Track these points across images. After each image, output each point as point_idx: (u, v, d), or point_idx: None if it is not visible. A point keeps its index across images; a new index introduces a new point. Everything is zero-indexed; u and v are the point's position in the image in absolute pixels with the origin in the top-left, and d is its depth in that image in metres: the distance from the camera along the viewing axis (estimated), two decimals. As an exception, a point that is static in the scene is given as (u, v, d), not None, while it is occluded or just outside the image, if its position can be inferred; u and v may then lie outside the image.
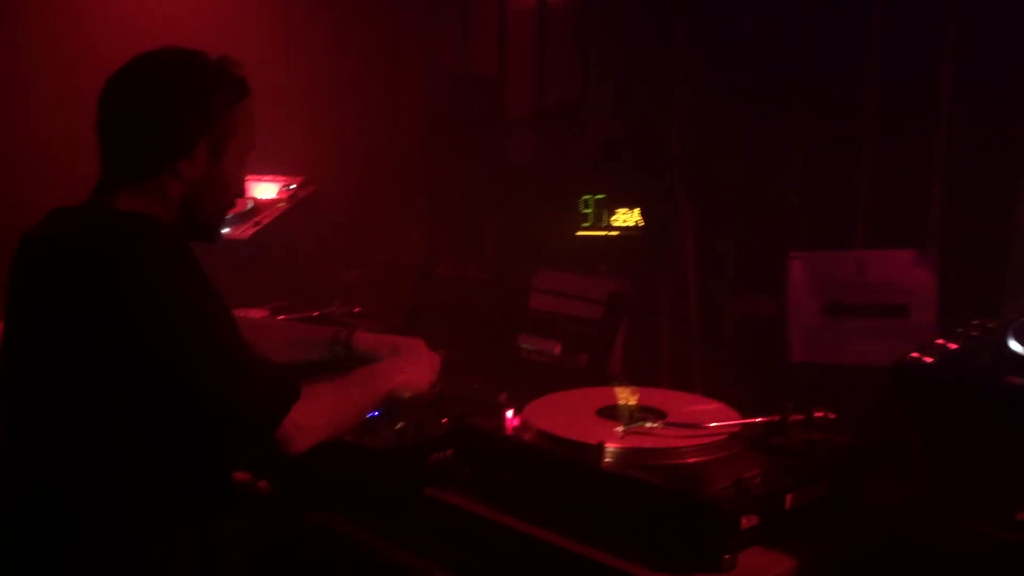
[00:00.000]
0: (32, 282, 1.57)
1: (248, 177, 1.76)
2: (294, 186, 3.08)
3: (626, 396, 1.80)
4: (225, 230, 2.67)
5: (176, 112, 1.57)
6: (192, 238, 1.65)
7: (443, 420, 1.90)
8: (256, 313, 2.52)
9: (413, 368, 1.82)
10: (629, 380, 1.99)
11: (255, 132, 1.70)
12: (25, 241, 1.62)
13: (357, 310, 2.51)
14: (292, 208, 3.00)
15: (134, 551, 1.51)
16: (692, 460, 1.57)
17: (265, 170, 3.10)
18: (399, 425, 1.87)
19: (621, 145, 2.75)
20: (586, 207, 2.66)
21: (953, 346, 1.44)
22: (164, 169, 1.59)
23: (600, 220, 2.65)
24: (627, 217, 2.61)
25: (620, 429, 1.63)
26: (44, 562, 1.52)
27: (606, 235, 2.63)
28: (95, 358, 1.46)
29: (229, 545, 1.63)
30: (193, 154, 1.59)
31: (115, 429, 1.49)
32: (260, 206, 3.00)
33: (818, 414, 1.64)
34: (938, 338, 1.48)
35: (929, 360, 1.41)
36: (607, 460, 1.55)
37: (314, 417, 1.57)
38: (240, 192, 1.73)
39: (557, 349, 2.20)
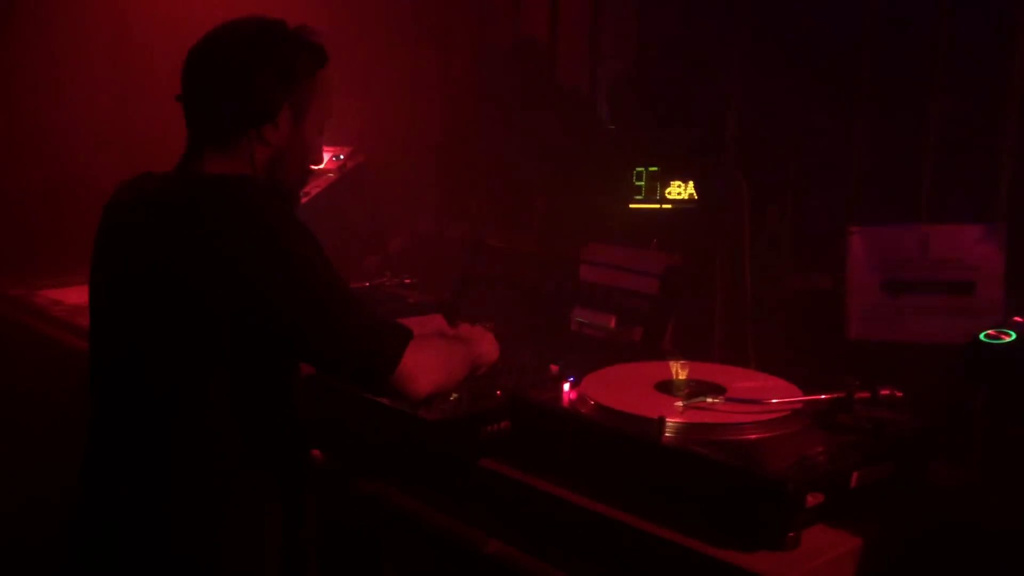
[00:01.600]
0: (131, 244, 1.59)
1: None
2: (343, 156, 3.06)
3: (687, 371, 1.78)
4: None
5: (262, 78, 1.59)
6: None
7: (497, 392, 1.88)
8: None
9: (484, 339, 1.84)
10: (684, 355, 1.97)
11: (333, 100, 1.72)
12: (117, 206, 1.65)
13: (408, 281, 2.49)
14: (341, 178, 2.99)
15: (227, 506, 1.56)
16: (754, 436, 1.54)
17: (314, 140, 3.09)
18: (453, 396, 1.85)
19: (676, 117, 2.70)
20: (639, 180, 2.62)
21: (1031, 324, 1.39)
22: (250, 134, 1.62)
23: (653, 193, 2.61)
24: (681, 190, 2.57)
25: (680, 404, 1.61)
26: (136, 521, 1.56)
27: (659, 208, 2.59)
28: (201, 313, 1.49)
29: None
30: (277, 119, 1.62)
31: (214, 388, 1.53)
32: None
33: (884, 392, 1.59)
34: (1014, 316, 1.43)
35: (1005, 338, 1.36)
36: (667, 434, 1.52)
37: (429, 357, 1.60)
38: (318, 159, 1.77)
39: (612, 323, 2.17)
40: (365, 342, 1.54)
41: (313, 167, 1.79)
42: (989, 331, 1.38)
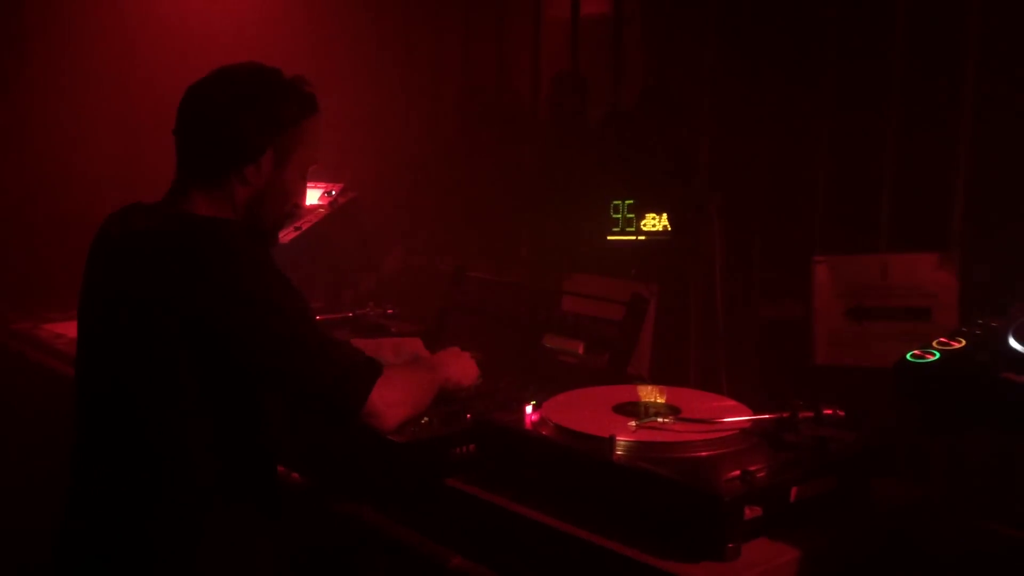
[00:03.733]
0: (115, 277, 1.68)
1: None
2: (335, 192, 3.17)
3: (645, 394, 1.86)
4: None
5: (247, 120, 1.68)
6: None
7: (467, 416, 1.96)
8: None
9: (457, 362, 1.91)
10: (645, 379, 2.05)
11: (319, 148, 1.80)
12: (105, 239, 1.73)
13: (390, 311, 2.59)
14: (332, 213, 3.10)
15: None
16: (702, 454, 1.61)
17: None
18: (424, 420, 1.94)
19: (651, 151, 2.80)
20: (616, 212, 2.72)
21: (956, 344, 1.47)
22: (233, 173, 1.70)
23: (630, 225, 2.70)
24: (655, 222, 2.66)
25: (633, 424, 1.69)
26: (119, 542, 1.63)
27: (635, 239, 2.68)
28: (178, 348, 1.58)
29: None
30: (260, 161, 1.70)
31: (192, 415, 1.61)
32: (301, 211, 3.10)
33: (827, 411, 1.67)
34: (943, 337, 1.51)
35: (930, 357, 1.44)
36: (619, 453, 1.60)
37: (396, 393, 1.70)
38: (300, 202, 1.85)
39: (580, 349, 2.25)
40: (334, 381, 1.62)
41: (295, 209, 1.87)
42: (915, 351, 1.46)
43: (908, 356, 1.46)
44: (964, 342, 1.47)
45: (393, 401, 1.67)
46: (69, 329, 3.21)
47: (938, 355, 1.44)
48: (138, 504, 1.63)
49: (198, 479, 1.63)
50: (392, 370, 1.72)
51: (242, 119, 1.68)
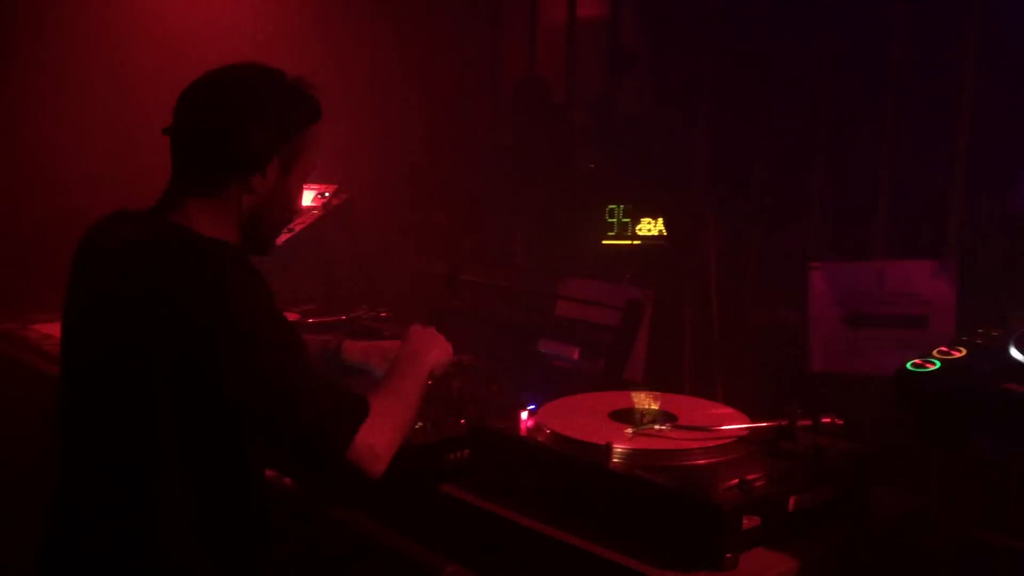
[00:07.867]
0: (100, 297, 1.58)
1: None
2: (328, 194, 3.15)
3: (642, 400, 1.84)
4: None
5: (258, 129, 1.58)
6: (248, 250, 1.65)
7: (461, 421, 1.95)
8: (287, 316, 2.59)
9: (434, 343, 1.83)
10: (642, 386, 2.04)
11: (320, 152, 1.71)
12: (95, 248, 1.63)
13: (384, 314, 2.57)
14: (326, 215, 3.07)
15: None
16: (699, 462, 1.60)
17: (300, 178, 3.18)
18: (418, 425, 1.92)
19: (646, 155, 2.79)
20: (611, 216, 2.70)
21: (956, 354, 1.45)
22: (237, 182, 1.60)
23: (625, 229, 2.69)
24: (651, 226, 2.65)
25: (630, 431, 1.67)
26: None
27: (630, 244, 2.67)
28: (160, 376, 1.48)
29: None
30: (267, 170, 1.61)
31: (168, 454, 1.51)
32: (298, 216, 3.08)
33: (826, 419, 1.66)
34: (943, 346, 1.50)
35: (931, 367, 1.43)
36: (615, 460, 1.59)
37: (387, 434, 1.56)
38: (299, 209, 1.76)
39: (575, 354, 2.24)
40: (317, 420, 1.49)
41: (294, 215, 1.78)
42: (915, 360, 1.45)
43: (908, 365, 1.45)
44: (965, 351, 1.45)
45: (380, 447, 1.53)
46: (57, 330, 3.18)
47: (939, 364, 1.43)
48: (123, 548, 1.53)
49: (186, 527, 1.52)
50: (378, 407, 1.57)
51: (250, 127, 1.58)
